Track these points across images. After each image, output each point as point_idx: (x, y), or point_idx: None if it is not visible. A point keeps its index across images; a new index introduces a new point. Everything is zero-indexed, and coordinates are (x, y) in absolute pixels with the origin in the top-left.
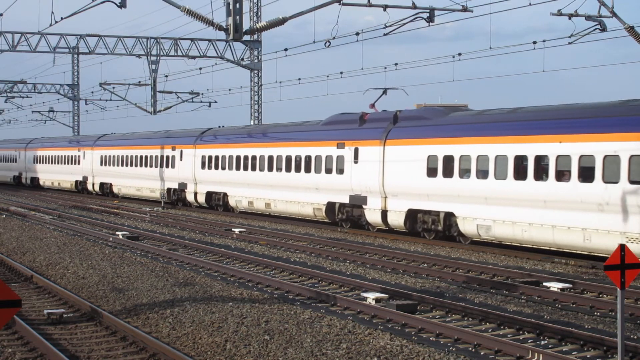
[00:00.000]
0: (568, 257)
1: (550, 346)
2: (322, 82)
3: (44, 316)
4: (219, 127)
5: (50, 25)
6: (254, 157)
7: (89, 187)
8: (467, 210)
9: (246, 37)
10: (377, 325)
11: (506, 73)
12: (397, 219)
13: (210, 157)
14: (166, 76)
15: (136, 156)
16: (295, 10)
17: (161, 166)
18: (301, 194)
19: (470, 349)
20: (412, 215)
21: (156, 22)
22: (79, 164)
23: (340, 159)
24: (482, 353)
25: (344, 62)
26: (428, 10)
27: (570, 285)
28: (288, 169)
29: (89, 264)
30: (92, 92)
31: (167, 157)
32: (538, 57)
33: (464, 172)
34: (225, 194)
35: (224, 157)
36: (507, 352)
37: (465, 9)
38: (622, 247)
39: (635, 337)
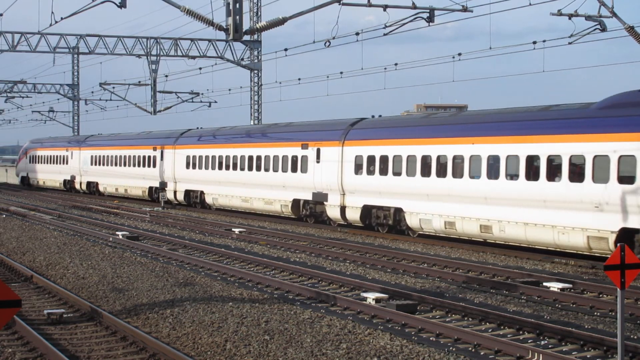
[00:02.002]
0: (568, 257)
1: (550, 346)
2: (322, 82)
3: (44, 316)
4: (373, 117)
5: (50, 25)
6: (458, 158)
7: (170, 195)
8: None
9: (246, 37)
10: (377, 325)
11: (506, 73)
12: None
13: (370, 158)
14: (166, 76)
15: (242, 156)
16: (295, 10)
17: (284, 170)
18: (558, 215)
19: (470, 349)
20: None
21: (156, 22)
22: (154, 166)
23: None
24: (482, 353)
25: (344, 62)
26: (428, 10)
27: (570, 285)
28: (533, 176)
29: (89, 264)
30: (92, 92)
31: (294, 157)
32: (538, 57)
33: None
34: (398, 210)
35: (397, 157)
36: (507, 352)
37: (465, 9)
38: (622, 247)
39: (635, 337)
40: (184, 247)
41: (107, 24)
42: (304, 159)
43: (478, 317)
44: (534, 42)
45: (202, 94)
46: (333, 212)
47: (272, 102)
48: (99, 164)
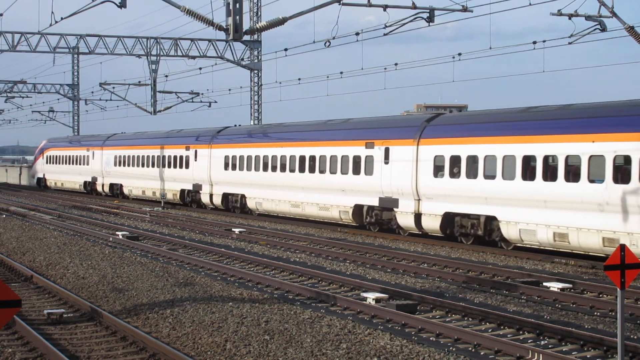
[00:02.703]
0: (568, 257)
1: (550, 346)
2: (322, 82)
3: (44, 316)
4: (451, 111)
5: (50, 25)
6: (572, 158)
7: (205, 198)
8: None
9: (246, 37)
10: (377, 325)
11: (506, 73)
12: None
13: (454, 158)
14: (166, 76)
15: (292, 156)
16: (295, 10)
17: (344, 172)
18: None
19: (470, 349)
20: None
21: (156, 22)
22: (186, 167)
23: None
24: (482, 353)
25: (344, 62)
26: (428, 10)
27: (570, 285)
28: None
29: (89, 264)
30: (92, 92)
31: (357, 157)
32: (538, 57)
33: None
34: (490, 219)
35: (490, 157)
36: (507, 352)
37: (465, 9)
38: (622, 247)
39: (635, 337)
40: (184, 247)
41: (107, 24)
42: (369, 159)
43: (478, 317)
44: (534, 42)
45: (202, 94)
46: (405, 220)
47: (272, 102)
48: (124, 165)
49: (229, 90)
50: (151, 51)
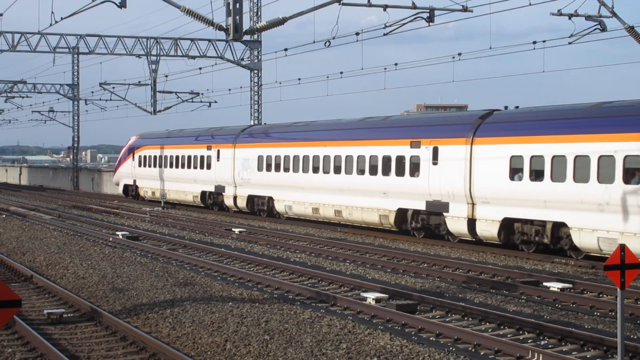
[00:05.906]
0: (568, 257)
1: (550, 346)
2: (322, 82)
3: (44, 316)
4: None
5: (50, 25)
6: None
7: (455, 225)
8: None
9: (246, 37)
10: (377, 325)
11: (506, 73)
12: None
13: None
14: (166, 76)
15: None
16: (295, 10)
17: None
18: None
19: (470, 349)
20: None
21: (156, 22)
22: (413, 174)
23: None
24: (482, 353)
25: (344, 62)
26: (428, 10)
27: (570, 285)
28: None
29: (89, 264)
30: (92, 92)
31: None
32: (538, 57)
33: None
34: None
35: None
36: (507, 352)
37: (465, 9)
38: (622, 247)
39: (635, 337)
40: (184, 247)
41: (107, 24)
42: None
43: (478, 317)
44: (534, 42)
45: (202, 94)
46: None
47: (272, 102)
48: (277, 170)
49: (229, 90)
50: (151, 51)
